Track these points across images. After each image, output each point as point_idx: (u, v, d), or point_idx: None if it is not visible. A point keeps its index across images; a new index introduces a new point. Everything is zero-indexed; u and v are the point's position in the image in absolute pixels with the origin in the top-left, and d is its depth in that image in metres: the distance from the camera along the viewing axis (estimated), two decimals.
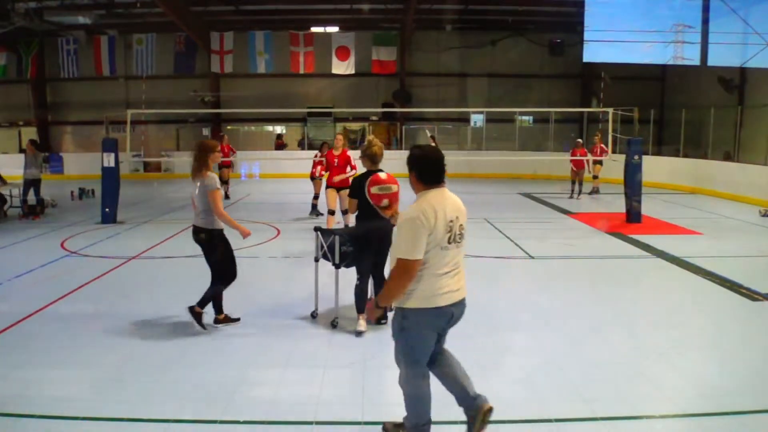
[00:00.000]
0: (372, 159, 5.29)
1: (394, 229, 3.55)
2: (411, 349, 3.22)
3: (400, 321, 3.17)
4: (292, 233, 10.04)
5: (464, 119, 23.73)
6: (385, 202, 4.01)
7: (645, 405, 3.90)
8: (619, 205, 12.13)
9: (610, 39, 16.27)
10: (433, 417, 3.46)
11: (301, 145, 23.80)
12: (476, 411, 3.29)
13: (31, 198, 12.07)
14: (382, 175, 4.54)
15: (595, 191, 15.98)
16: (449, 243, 3.07)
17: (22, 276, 7.21)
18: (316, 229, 5.60)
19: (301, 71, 22.28)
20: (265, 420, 3.69)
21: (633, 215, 11.12)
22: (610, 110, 12.93)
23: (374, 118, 24.06)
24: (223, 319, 5.45)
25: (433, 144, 17.75)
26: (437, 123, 23.40)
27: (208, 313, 5.34)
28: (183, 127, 24.12)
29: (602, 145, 15.25)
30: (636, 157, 11.10)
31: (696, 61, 16.06)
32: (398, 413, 3.78)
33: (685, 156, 18.40)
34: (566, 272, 7.66)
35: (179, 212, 13.14)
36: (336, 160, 9.40)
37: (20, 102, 23.50)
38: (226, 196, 15.29)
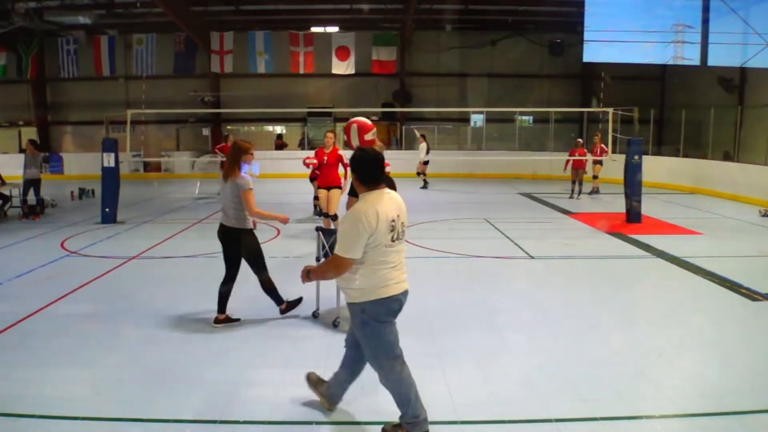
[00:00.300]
0: None
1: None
2: (378, 341, 3.34)
3: (360, 316, 3.31)
4: (292, 233, 10.04)
5: (464, 119, 23.73)
6: (380, 145, 4.04)
7: (645, 405, 3.90)
8: (619, 205, 12.13)
9: (610, 39, 16.28)
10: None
11: (302, 146, 23.81)
12: (331, 403, 3.72)
13: (31, 198, 12.07)
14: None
15: (595, 191, 15.98)
16: (393, 241, 3.24)
17: (22, 276, 7.21)
18: (318, 228, 5.61)
19: (301, 71, 22.29)
20: (265, 420, 3.69)
21: (633, 215, 11.12)
22: (610, 110, 12.94)
23: (374, 118, 23.99)
24: (223, 319, 5.45)
25: (424, 143, 17.86)
26: (437, 123, 23.42)
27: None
28: (183, 127, 24.13)
29: (602, 145, 15.25)
30: (636, 157, 11.10)
31: (696, 61, 16.07)
32: (399, 413, 3.78)
33: (685, 156, 18.39)
34: (566, 272, 7.66)
35: (179, 212, 13.15)
36: (326, 158, 9.18)
37: (20, 102, 23.51)
38: None
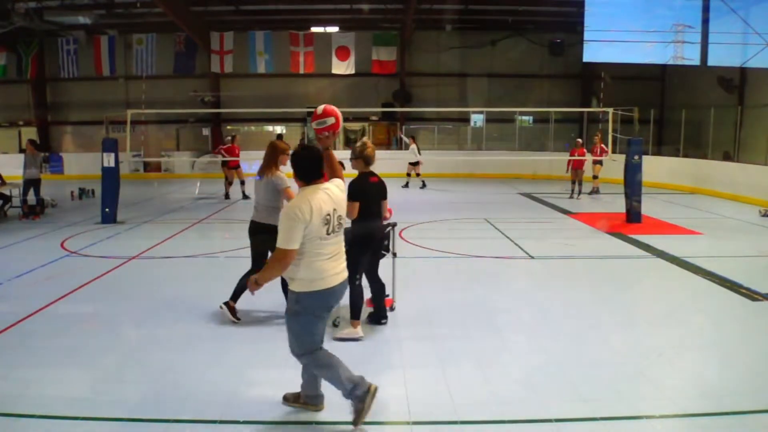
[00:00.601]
0: (366, 161, 5.19)
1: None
2: (303, 331, 3.50)
3: (294, 305, 3.46)
4: None
5: (464, 119, 23.73)
6: (326, 134, 4.02)
7: (645, 405, 3.90)
8: (619, 205, 12.13)
9: (610, 39, 16.28)
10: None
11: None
12: (316, 406, 3.76)
13: (31, 198, 12.07)
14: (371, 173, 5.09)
15: (595, 191, 15.98)
16: (328, 234, 3.41)
17: (22, 276, 7.21)
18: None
19: (301, 71, 22.29)
20: (265, 420, 3.69)
21: (633, 215, 11.12)
22: (610, 110, 12.94)
23: (374, 118, 24.06)
24: (231, 308, 5.56)
25: (414, 145, 17.91)
26: (437, 123, 23.42)
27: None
28: (183, 127, 24.13)
29: (602, 145, 15.25)
30: (636, 157, 11.10)
31: (696, 61, 16.07)
32: (398, 413, 3.79)
33: (685, 156, 18.39)
34: (566, 272, 7.66)
35: (179, 212, 13.15)
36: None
37: (20, 102, 23.51)
38: (227, 196, 15.29)
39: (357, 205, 5.01)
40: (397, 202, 14.76)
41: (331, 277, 3.46)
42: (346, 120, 23.98)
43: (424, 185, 17.78)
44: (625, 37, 16.16)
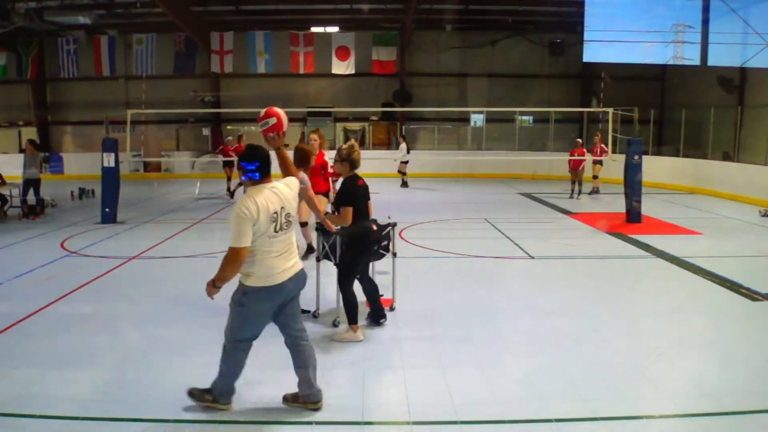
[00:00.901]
0: (353, 164, 5.08)
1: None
2: (242, 323, 3.62)
3: (240, 297, 3.57)
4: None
5: (464, 119, 23.72)
6: (271, 135, 4.02)
7: (645, 405, 3.90)
8: (619, 205, 12.13)
9: (610, 39, 16.28)
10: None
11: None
12: (311, 401, 3.78)
13: (31, 198, 12.07)
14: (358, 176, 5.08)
15: (595, 191, 15.99)
16: (276, 232, 3.51)
17: (22, 276, 7.21)
18: (318, 228, 5.60)
19: (301, 71, 22.28)
20: (265, 420, 3.69)
21: (633, 215, 11.12)
22: (610, 110, 12.94)
23: (374, 118, 24.05)
24: None
25: (404, 144, 17.93)
26: (437, 123, 23.42)
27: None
28: (183, 127, 24.13)
29: (602, 145, 15.25)
30: (636, 157, 11.10)
31: (696, 61, 16.07)
32: (398, 413, 3.79)
33: (685, 156, 18.40)
34: (566, 272, 7.66)
35: (179, 212, 13.15)
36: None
37: (20, 102, 23.50)
38: (232, 194, 15.22)
39: (351, 210, 4.95)
40: (397, 202, 14.79)
41: (280, 274, 3.56)
42: (346, 120, 24.27)
43: (405, 185, 17.76)
44: (625, 37, 16.16)
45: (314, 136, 8.08)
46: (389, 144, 23.62)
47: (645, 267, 7.98)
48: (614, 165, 13.66)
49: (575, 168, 15.05)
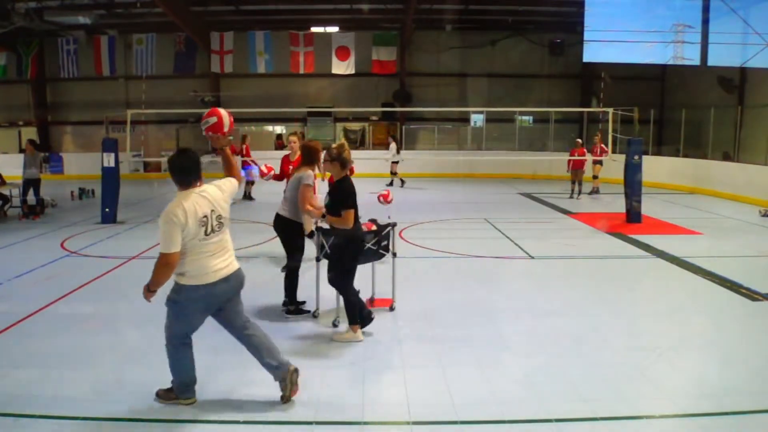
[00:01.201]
0: (343, 164, 4.95)
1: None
2: (177, 320, 3.72)
3: (174, 295, 3.67)
4: None
5: (464, 119, 23.73)
6: (211, 134, 4.08)
7: (645, 405, 3.90)
8: (619, 205, 12.13)
9: (610, 39, 16.28)
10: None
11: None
12: (285, 374, 3.83)
13: (31, 198, 12.07)
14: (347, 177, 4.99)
15: (595, 191, 15.98)
16: (207, 234, 3.57)
17: (22, 276, 7.21)
18: (318, 228, 5.60)
19: (301, 71, 22.28)
20: (265, 420, 3.69)
21: (633, 215, 11.12)
22: (610, 110, 12.94)
23: (374, 118, 24.06)
24: (294, 310, 5.68)
25: (393, 144, 17.89)
26: (437, 123, 23.42)
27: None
28: (183, 127, 24.09)
29: (602, 145, 15.25)
30: (636, 157, 11.10)
31: (696, 61, 16.07)
32: (398, 413, 3.79)
33: (685, 156, 18.40)
34: (566, 272, 7.66)
35: None
36: (291, 168, 7.15)
37: (20, 102, 23.50)
38: (250, 197, 15.16)
39: (353, 212, 4.89)
40: (397, 202, 14.73)
41: (213, 273, 3.62)
42: (346, 120, 24.26)
43: (391, 184, 17.72)
44: (625, 37, 16.16)
45: (293, 138, 7.75)
46: (389, 144, 23.60)
47: (645, 267, 7.98)
48: (614, 165, 13.67)
49: (576, 168, 15.05)
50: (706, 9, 15.60)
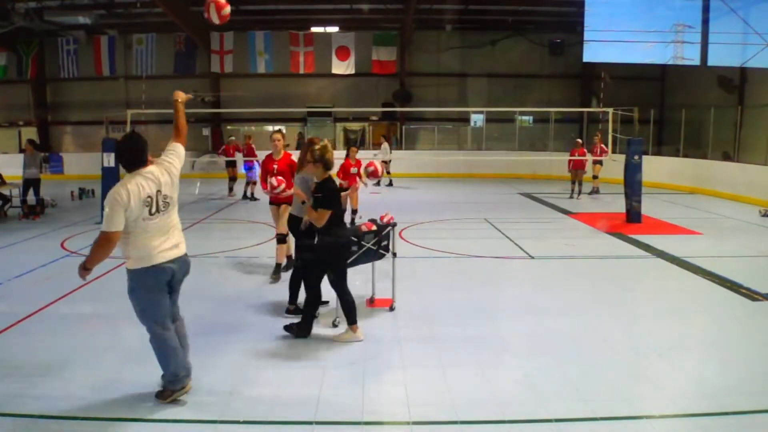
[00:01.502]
0: (327, 165, 4.92)
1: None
2: (145, 305, 3.76)
3: (130, 282, 3.73)
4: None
5: (464, 119, 23.73)
6: (184, 96, 4.32)
7: (645, 405, 3.90)
8: (619, 205, 12.13)
9: (610, 39, 16.28)
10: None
11: (300, 146, 23.76)
12: (185, 384, 3.92)
13: (31, 198, 12.07)
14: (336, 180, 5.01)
15: (595, 191, 15.98)
16: (151, 214, 3.65)
17: (22, 276, 7.21)
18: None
19: (301, 71, 22.29)
20: (265, 420, 3.69)
21: (633, 215, 11.12)
22: (610, 110, 12.93)
23: (374, 118, 24.06)
24: (293, 310, 5.65)
25: (386, 144, 17.89)
26: (437, 123, 23.42)
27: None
28: None
29: (602, 145, 15.25)
30: (636, 157, 11.10)
31: (696, 61, 16.08)
32: (398, 413, 3.79)
33: (685, 156, 18.40)
34: (566, 272, 7.66)
35: (179, 212, 13.12)
36: (275, 167, 6.96)
37: (20, 102, 23.49)
38: (253, 197, 15.12)
39: (329, 213, 4.84)
40: (396, 202, 14.79)
41: (159, 254, 3.69)
42: (346, 120, 24.28)
43: (378, 184, 17.70)
44: (625, 37, 16.17)
45: (277, 137, 7.28)
46: (389, 144, 23.60)
47: (645, 267, 7.98)
48: (614, 165, 13.66)
49: (576, 168, 15.05)
50: (706, 9, 15.61)
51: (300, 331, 5.06)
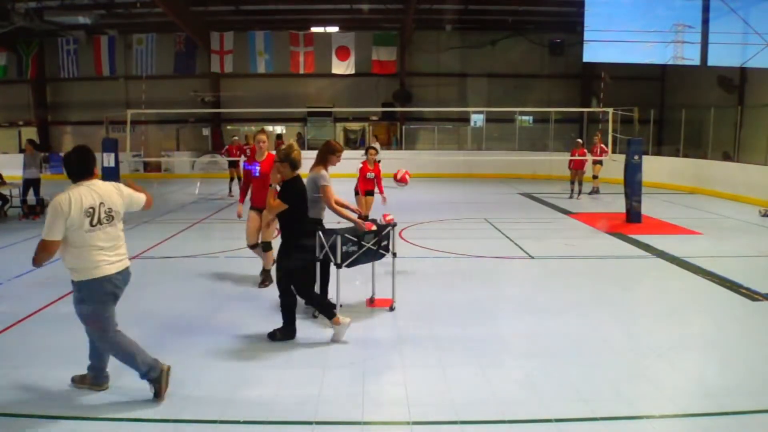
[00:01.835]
0: (293, 165, 4.84)
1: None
2: (91, 316, 3.80)
3: (77, 294, 3.78)
4: None
5: (464, 119, 23.74)
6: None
7: (645, 405, 3.90)
8: (619, 205, 12.13)
9: (610, 39, 16.27)
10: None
11: (299, 145, 23.73)
12: (100, 386, 4.03)
13: (31, 198, 12.06)
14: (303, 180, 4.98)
15: (595, 191, 15.99)
16: (93, 226, 3.70)
17: (22, 276, 7.21)
18: (318, 229, 5.60)
19: (301, 71, 22.30)
20: (265, 420, 3.69)
21: (633, 215, 11.12)
22: (610, 110, 12.94)
23: (374, 118, 24.07)
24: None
25: (376, 143, 17.92)
26: (437, 123, 23.43)
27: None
28: (183, 127, 24.13)
29: (602, 145, 15.26)
30: (636, 157, 11.10)
31: (696, 61, 16.06)
32: (398, 413, 3.79)
33: (685, 156, 18.40)
34: (566, 272, 7.66)
35: (179, 212, 13.15)
36: (258, 168, 6.68)
37: (20, 102, 23.52)
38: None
39: (283, 206, 4.80)
40: (396, 202, 14.75)
41: (105, 267, 3.76)
42: (346, 120, 24.28)
43: None
44: (625, 37, 16.15)
45: (262, 137, 6.73)
46: (389, 144, 23.62)
47: (645, 267, 7.98)
48: (614, 165, 13.67)
49: (576, 168, 15.05)
50: (706, 9, 15.59)
51: (283, 335, 5.03)
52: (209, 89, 23.27)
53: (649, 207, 11.99)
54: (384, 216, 5.79)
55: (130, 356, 3.86)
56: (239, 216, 6.98)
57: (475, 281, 7.15)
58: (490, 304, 6.17)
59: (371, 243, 5.50)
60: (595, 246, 9.31)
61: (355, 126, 24.55)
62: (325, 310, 5.06)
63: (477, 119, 23.68)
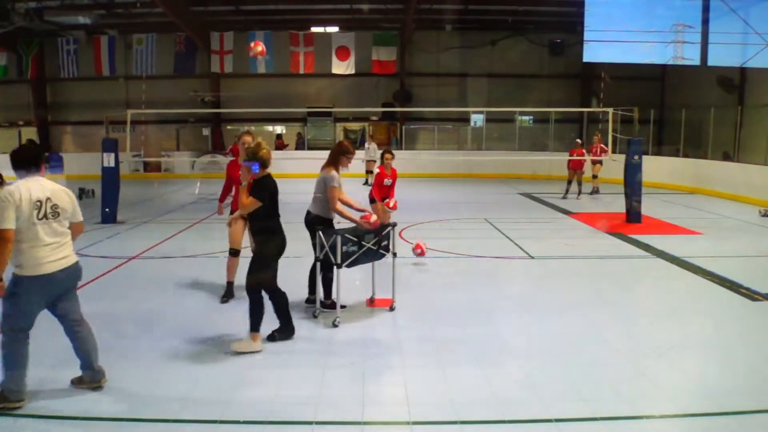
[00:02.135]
0: (263, 163, 4.74)
1: None
2: (15, 313, 3.77)
3: (12, 287, 3.76)
4: (292, 233, 10.03)
5: (464, 119, 23.74)
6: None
7: (645, 405, 3.90)
8: (619, 205, 12.13)
9: (610, 39, 16.27)
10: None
11: (299, 146, 23.71)
12: (98, 382, 4.07)
13: None
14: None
15: (595, 191, 15.98)
16: (39, 219, 3.74)
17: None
18: (318, 229, 5.60)
19: (301, 71, 22.30)
20: (265, 420, 3.69)
21: (633, 215, 11.12)
22: (610, 110, 12.94)
23: (374, 118, 24.07)
24: (330, 304, 5.71)
25: (374, 143, 17.82)
26: (437, 123, 23.43)
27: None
28: (183, 127, 24.13)
29: (602, 145, 15.25)
30: (636, 157, 11.10)
31: (696, 61, 16.06)
32: (398, 413, 3.79)
33: (685, 156, 18.40)
34: (566, 272, 7.66)
35: (179, 212, 13.15)
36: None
37: (20, 102, 23.51)
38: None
39: (256, 204, 4.74)
40: (397, 201, 14.73)
41: (49, 264, 3.78)
42: (346, 120, 24.28)
43: (366, 183, 17.62)
44: (625, 37, 16.15)
45: (248, 138, 6.13)
46: (389, 144, 23.61)
47: (645, 267, 7.98)
48: (614, 165, 13.66)
49: (575, 168, 15.03)
50: (706, 9, 15.59)
51: (282, 335, 5.00)
52: (209, 89, 23.27)
53: (649, 207, 11.99)
54: (386, 203, 5.77)
55: (14, 364, 3.77)
56: (220, 214, 6.79)
57: (475, 281, 7.15)
58: (490, 304, 6.17)
59: (371, 243, 5.51)
60: (595, 246, 9.31)
61: (355, 126, 24.54)
62: (258, 319, 4.78)
63: (477, 119, 23.67)
